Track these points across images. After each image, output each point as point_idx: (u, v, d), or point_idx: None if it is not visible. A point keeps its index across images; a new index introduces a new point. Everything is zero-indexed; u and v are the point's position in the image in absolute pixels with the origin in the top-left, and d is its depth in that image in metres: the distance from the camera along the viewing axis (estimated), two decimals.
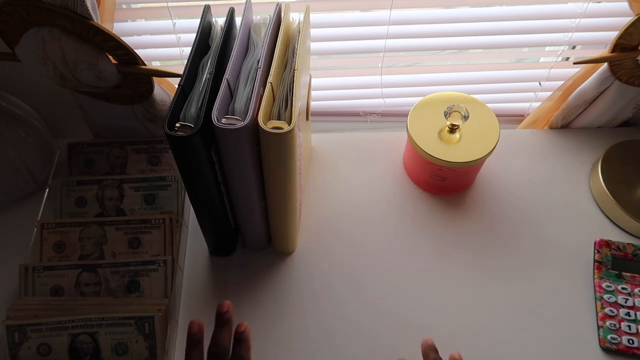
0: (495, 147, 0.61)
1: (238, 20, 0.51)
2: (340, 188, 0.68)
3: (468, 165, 0.60)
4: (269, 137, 0.43)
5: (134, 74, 0.57)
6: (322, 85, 0.73)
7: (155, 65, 0.69)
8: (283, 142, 0.44)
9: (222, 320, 0.46)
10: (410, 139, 0.63)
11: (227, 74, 0.46)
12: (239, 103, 0.46)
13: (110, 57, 0.55)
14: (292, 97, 0.45)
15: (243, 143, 0.45)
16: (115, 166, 0.66)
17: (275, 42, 0.49)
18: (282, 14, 0.51)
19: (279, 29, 0.51)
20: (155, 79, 0.60)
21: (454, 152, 0.61)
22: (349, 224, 0.65)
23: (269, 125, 0.43)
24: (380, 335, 0.57)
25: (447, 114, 0.60)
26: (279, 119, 0.46)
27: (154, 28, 0.63)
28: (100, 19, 0.52)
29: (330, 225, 0.65)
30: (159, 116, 0.65)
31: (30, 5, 0.47)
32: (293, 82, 0.46)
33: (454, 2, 0.63)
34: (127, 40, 0.53)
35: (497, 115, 0.63)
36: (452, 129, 0.62)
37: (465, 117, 0.60)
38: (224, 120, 0.44)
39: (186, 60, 0.47)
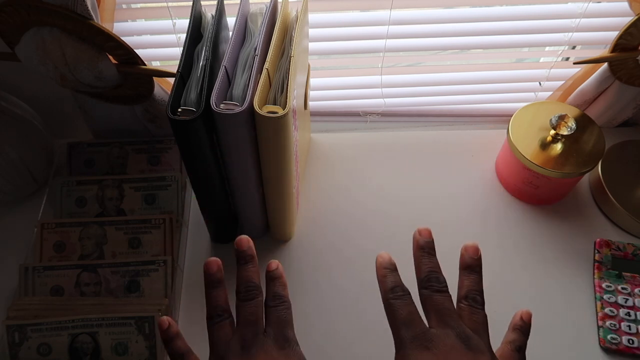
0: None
1: (228, 8, 0.52)
2: (339, 187, 0.68)
3: (565, 176, 0.60)
4: (264, 121, 0.44)
5: (134, 74, 0.57)
6: (322, 85, 0.73)
7: (155, 65, 0.69)
8: (278, 126, 0.45)
9: (244, 257, 0.40)
10: (509, 141, 0.62)
11: (225, 62, 0.46)
12: (237, 89, 0.47)
13: (110, 57, 0.55)
14: (287, 83, 0.46)
15: (241, 128, 0.46)
16: (115, 166, 0.66)
17: (272, 30, 0.50)
18: (279, 3, 0.52)
19: (275, 18, 0.51)
20: (155, 79, 0.60)
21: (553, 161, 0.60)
22: (347, 221, 0.65)
23: (264, 110, 0.44)
24: (378, 319, 0.57)
25: (554, 123, 0.60)
26: (274, 104, 0.46)
27: (154, 28, 0.63)
28: (100, 19, 0.52)
29: (329, 221, 0.65)
30: (159, 116, 0.65)
31: (30, 5, 0.47)
32: (289, 68, 0.47)
33: (454, 2, 0.63)
34: (127, 40, 0.53)
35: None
36: (555, 138, 0.61)
37: (571, 129, 0.60)
38: (222, 106, 0.44)
39: (181, 48, 0.48)
